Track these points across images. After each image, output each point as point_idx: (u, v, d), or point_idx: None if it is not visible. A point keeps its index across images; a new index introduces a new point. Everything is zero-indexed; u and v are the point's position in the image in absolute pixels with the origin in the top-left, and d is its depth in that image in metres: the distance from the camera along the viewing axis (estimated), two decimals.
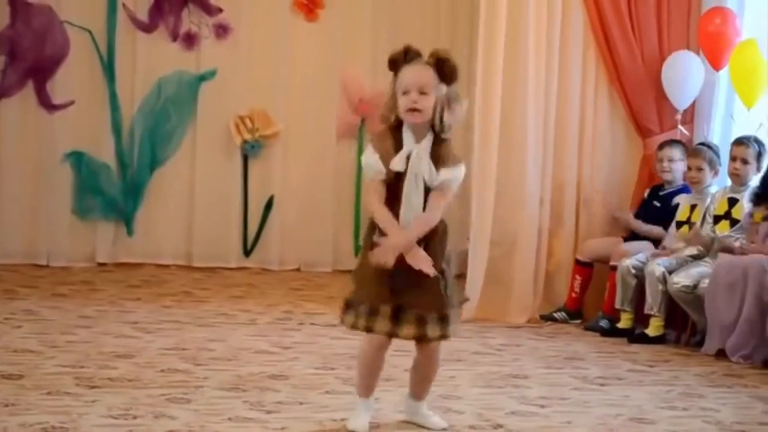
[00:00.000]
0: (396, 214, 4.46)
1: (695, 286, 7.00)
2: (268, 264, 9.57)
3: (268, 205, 9.58)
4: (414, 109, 4.43)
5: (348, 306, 4.55)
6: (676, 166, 7.74)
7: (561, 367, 6.28)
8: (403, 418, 4.77)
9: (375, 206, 4.49)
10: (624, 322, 7.40)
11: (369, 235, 4.55)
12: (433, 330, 4.49)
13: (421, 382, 4.73)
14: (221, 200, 9.50)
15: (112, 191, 9.21)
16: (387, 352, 4.58)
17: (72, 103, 9.09)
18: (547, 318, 7.83)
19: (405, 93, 4.45)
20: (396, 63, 4.50)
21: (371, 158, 4.48)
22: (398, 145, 4.48)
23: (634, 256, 7.40)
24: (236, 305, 7.63)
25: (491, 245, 7.73)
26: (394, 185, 4.48)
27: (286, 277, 9.27)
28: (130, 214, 9.28)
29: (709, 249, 7.22)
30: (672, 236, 7.56)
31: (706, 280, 6.92)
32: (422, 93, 4.43)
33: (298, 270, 9.60)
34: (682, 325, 7.30)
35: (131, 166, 9.26)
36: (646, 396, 5.61)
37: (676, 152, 7.74)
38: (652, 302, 7.19)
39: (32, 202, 9.07)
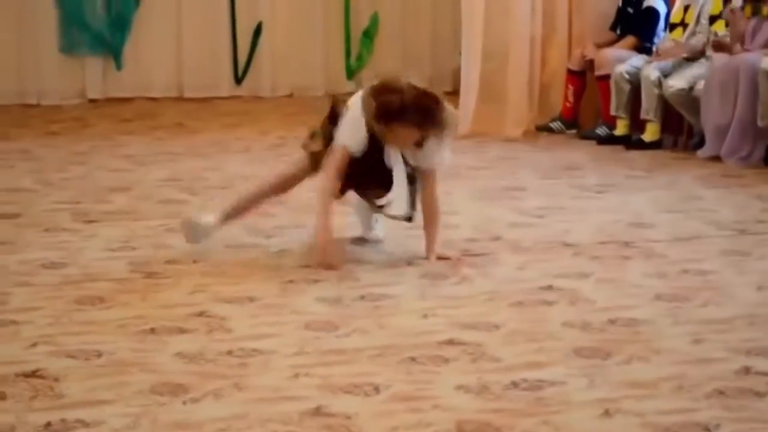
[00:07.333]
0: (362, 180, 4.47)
1: (691, 89, 6.95)
2: (260, 91, 9.48)
3: (257, 32, 9.44)
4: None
5: None
6: None
7: (558, 177, 6.27)
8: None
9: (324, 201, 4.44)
10: (620, 128, 7.36)
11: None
12: None
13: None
14: (209, 28, 9.36)
15: (98, 25, 9.06)
16: None
17: None
18: (543, 128, 7.79)
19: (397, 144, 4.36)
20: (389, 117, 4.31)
21: (359, 133, 4.44)
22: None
23: (628, 61, 7.32)
24: (230, 134, 7.59)
25: (483, 58, 7.64)
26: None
27: (279, 103, 9.20)
28: (117, 48, 9.15)
29: (702, 54, 7.14)
30: (666, 39, 7.47)
31: (702, 82, 6.87)
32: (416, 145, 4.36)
33: (290, 96, 9.52)
34: (679, 129, 7.28)
35: None
36: (644, 201, 5.61)
37: None
38: (648, 107, 7.14)
39: (18, 42, 8.93)
